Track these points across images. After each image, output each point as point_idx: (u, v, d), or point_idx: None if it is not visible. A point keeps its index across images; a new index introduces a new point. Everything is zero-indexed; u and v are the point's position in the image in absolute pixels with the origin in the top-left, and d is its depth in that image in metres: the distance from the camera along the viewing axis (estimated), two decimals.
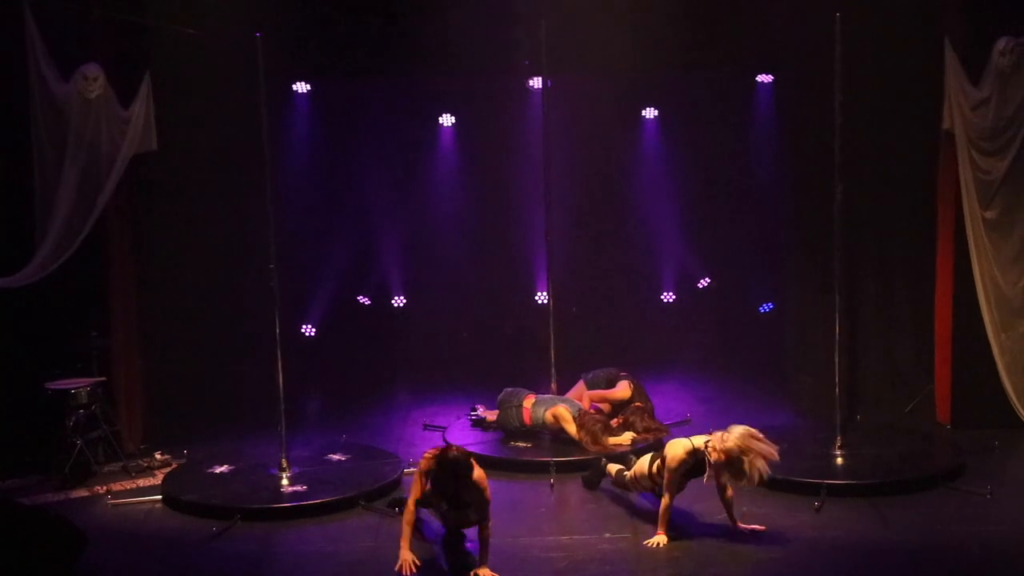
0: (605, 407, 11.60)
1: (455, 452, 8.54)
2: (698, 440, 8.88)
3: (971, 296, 11.22)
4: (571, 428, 10.92)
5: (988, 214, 11.11)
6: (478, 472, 8.54)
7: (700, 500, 9.86)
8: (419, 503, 8.71)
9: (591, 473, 10.17)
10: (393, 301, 15.11)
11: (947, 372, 11.61)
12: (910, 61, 11.52)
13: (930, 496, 9.77)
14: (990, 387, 11.31)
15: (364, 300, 15.05)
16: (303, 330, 14.64)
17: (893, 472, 10.13)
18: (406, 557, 8.51)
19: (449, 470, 8.43)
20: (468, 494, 8.54)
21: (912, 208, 11.93)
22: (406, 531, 8.62)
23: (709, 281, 15.29)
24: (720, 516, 9.39)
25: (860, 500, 9.67)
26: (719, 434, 8.74)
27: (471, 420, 11.88)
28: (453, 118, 14.77)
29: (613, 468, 9.83)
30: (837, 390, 10.59)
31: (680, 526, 9.18)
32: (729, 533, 9.07)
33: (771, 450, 8.64)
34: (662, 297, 15.29)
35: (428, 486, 8.64)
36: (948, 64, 10.98)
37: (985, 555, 8.62)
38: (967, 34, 11.01)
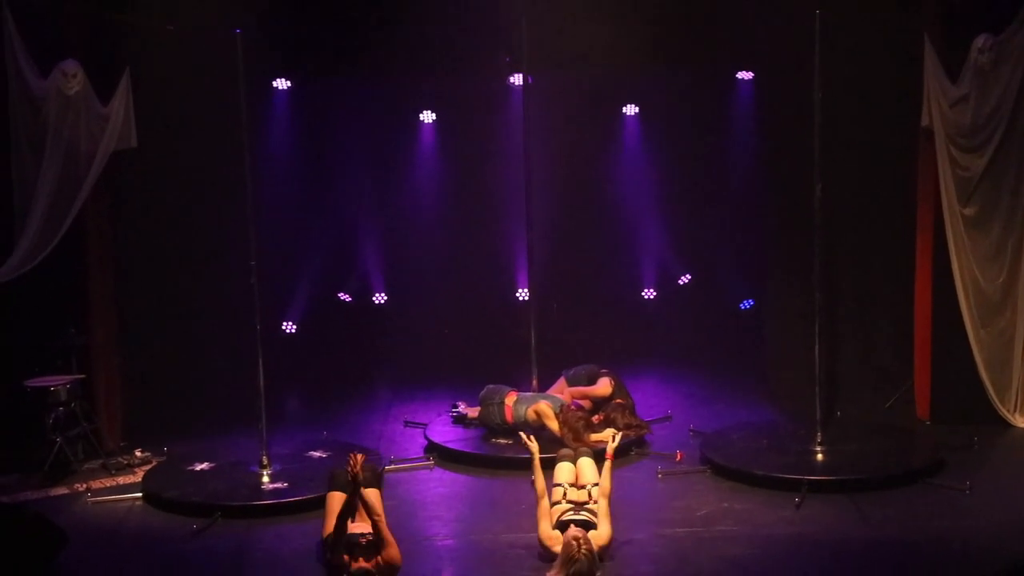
0: (586, 404, 11.60)
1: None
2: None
3: (950, 292, 11.25)
4: (553, 424, 10.92)
5: (967, 211, 11.15)
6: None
7: (681, 496, 9.90)
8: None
9: None
10: (374, 298, 15.10)
11: (927, 368, 11.65)
12: (890, 58, 11.56)
13: (909, 492, 9.80)
14: (969, 383, 11.35)
15: (345, 297, 15.04)
16: (284, 327, 14.62)
17: (873, 468, 10.16)
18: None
19: None
20: None
21: (891, 205, 11.96)
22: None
23: (689, 278, 15.32)
24: (701, 512, 9.42)
25: (840, 496, 9.69)
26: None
27: (452, 417, 11.88)
28: (434, 115, 14.77)
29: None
30: (817, 386, 10.61)
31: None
32: (708, 529, 9.08)
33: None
34: (643, 294, 15.31)
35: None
36: (927, 61, 11.01)
37: (964, 550, 8.66)
38: (946, 32, 11.04)
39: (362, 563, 8.06)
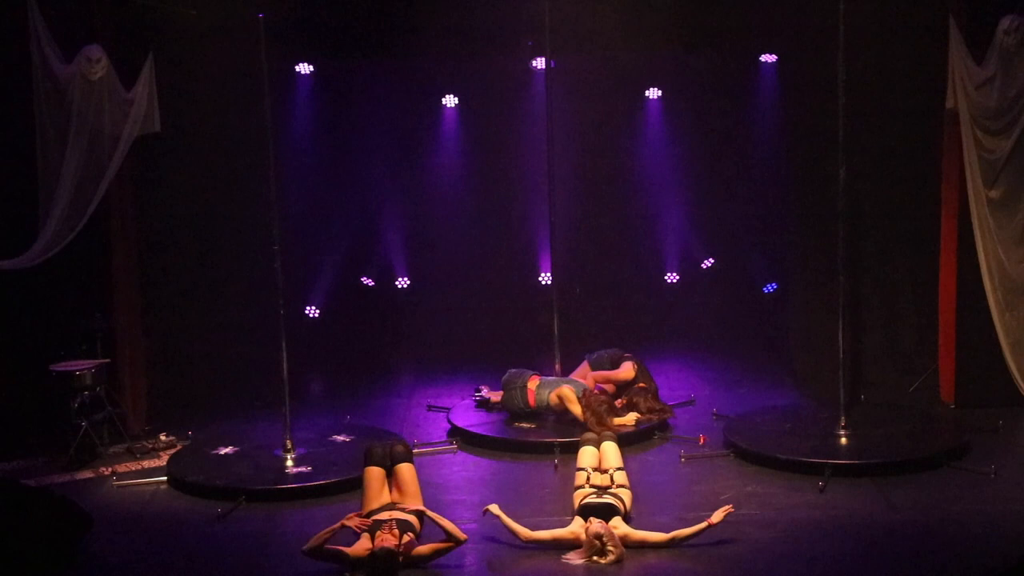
0: (609, 388, 11.60)
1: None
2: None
3: (975, 275, 11.20)
4: (576, 408, 10.92)
5: (992, 193, 11.08)
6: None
7: (704, 480, 9.89)
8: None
9: None
10: (397, 282, 15.11)
11: (951, 351, 11.61)
12: (914, 40, 11.50)
13: (934, 475, 9.78)
14: (994, 366, 11.30)
15: (368, 281, 15.06)
16: (307, 312, 14.65)
17: (897, 452, 10.13)
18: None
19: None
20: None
21: (916, 187, 11.92)
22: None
23: (712, 261, 15.28)
24: (725, 496, 9.41)
25: (864, 480, 9.69)
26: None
27: (475, 401, 11.89)
28: (456, 99, 14.74)
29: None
30: (841, 370, 10.58)
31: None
32: (731, 513, 9.08)
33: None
34: (666, 277, 15.28)
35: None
36: (952, 42, 10.94)
37: (989, 534, 8.63)
38: (971, 13, 10.97)
39: (389, 540, 8.15)
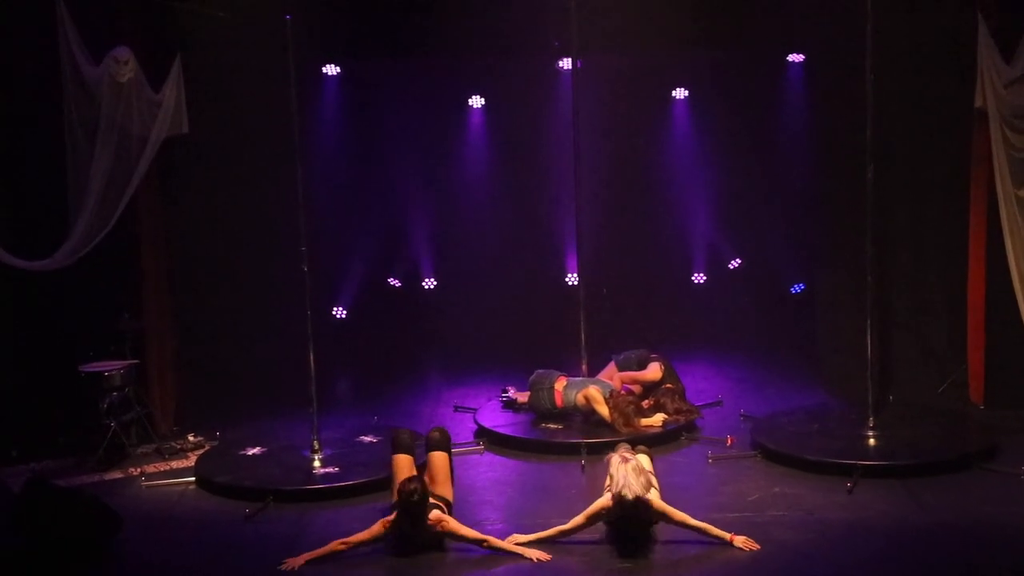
0: (636, 388, 11.58)
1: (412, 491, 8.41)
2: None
3: (1004, 276, 11.11)
4: (603, 409, 10.92)
5: (1021, 193, 10.98)
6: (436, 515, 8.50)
7: (731, 481, 9.87)
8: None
9: None
10: (424, 283, 15.14)
11: (980, 352, 11.55)
12: (943, 39, 11.44)
13: (963, 477, 9.72)
14: (1023, 367, 11.24)
15: (395, 282, 15.09)
16: (334, 312, 14.69)
17: (926, 452, 10.08)
18: (298, 562, 8.35)
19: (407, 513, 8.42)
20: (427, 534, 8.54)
21: (944, 187, 11.85)
22: (327, 549, 8.47)
23: (740, 262, 15.25)
24: (752, 497, 9.39)
25: (893, 481, 9.63)
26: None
27: (502, 402, 11.90)
28: (483, 100, 14.77)
29: None
30: (869, 370, 10.54)
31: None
32: (759, 514, 9.05)
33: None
34: (693, 278, 15.26)
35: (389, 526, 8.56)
36: (981, 41, 10.87)
37: (1019, 536, 8.57)
38: (1000, 12, 10.91)
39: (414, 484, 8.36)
